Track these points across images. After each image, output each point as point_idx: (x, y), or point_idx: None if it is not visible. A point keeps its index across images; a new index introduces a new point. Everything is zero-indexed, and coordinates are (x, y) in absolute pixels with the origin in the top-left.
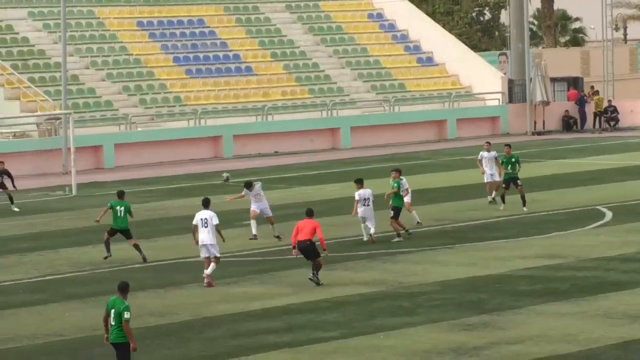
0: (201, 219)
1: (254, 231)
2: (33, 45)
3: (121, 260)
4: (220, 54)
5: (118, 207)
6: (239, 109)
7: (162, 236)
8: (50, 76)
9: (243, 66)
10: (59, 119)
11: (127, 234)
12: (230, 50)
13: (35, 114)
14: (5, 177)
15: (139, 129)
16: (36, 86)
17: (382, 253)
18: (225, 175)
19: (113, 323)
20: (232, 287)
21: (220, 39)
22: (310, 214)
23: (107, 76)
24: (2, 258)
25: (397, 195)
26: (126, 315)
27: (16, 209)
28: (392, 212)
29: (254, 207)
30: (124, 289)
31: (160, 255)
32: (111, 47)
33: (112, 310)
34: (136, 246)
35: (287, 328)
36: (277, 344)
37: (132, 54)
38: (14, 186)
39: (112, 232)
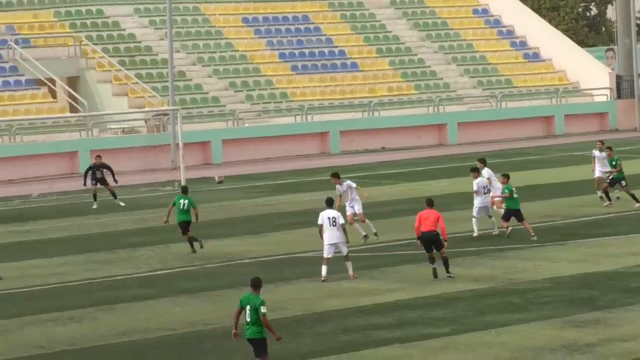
0: (328, 218)
1: (362, 232)
2: (140, 42)
3: (230, 255)
4: (326, 50)
5: (181, 201)
6: (345, 105)
7: (271, 232)
8: (157, 72)
9: (349, 62)
10: (167, 115)
11: (186, 227)
12: (336, 47)
13: (144, 110)
14: (105, 171)
15: (246, 124)
16: (143, 82)
17: (491, 249)
18: (218, 178)
19: (248, 319)
20: (342, 283)
21: (325, 35)
22: (431, 203)
23: (213, 72)
24: (113, 253)
25: (511, 198)
26: (262, 309)
27: (121, 204)
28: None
29: (349, 211)
30: (257, 284)
31: (269, 251)
32: (217, 44)
33: (247, 307)
34: (190, 239)
35: (397, 324)
36: (388, 339)
37: (238, 50)
38: (114, 180)
39: (180, 226)
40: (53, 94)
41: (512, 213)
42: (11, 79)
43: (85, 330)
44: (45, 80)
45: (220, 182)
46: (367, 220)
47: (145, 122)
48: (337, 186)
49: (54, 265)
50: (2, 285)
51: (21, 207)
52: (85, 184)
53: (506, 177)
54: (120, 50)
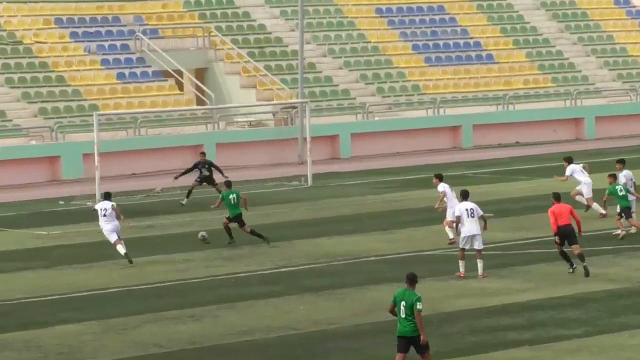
0: (466, 210)
1: (451, 235)
2: (270, 33)
3: (356, 252)
4: (461, 42)
5: (231, 196)
6: (479, 98)
7: (399, 228)
8: (287, 64)
9: (484, 54)
10: (295, 107)
11: (240, 221)
12: (471, 38)
13: (272, 102)
14: (212, 169)
15: (377, 118)
16: (272, 74)
17: (627, 248)
18: (201, 234)
19: (403, 315)
20: (470, 282)
21: (460, 26)
22: (558, 198)
23: (344, 64)
24: (237, 249)
25: (621, 197)
26: (419, 305)
27: (182, 202)
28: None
29: (449, 217)
30: (412, 280)
31: (396, 248)
32: (349, 35)
33: (402, 303)
34: (252, 232)
35: (527, 325)
36: (517, 341)
37: (370, 42)
38: (223, 176)
39: (234, 220)
40: (180, 86)
41: (623, 211)
42: (138, 71)
43: (206, 328)
44: (173, 72)
45: (204, 240)
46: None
47: (273, 115)
48: (438, 187)
49: (175, 262)
50: (122, 282)
51: (143, 201)
52: (176, 178)
53: (613, 177)
54: (250, 42)
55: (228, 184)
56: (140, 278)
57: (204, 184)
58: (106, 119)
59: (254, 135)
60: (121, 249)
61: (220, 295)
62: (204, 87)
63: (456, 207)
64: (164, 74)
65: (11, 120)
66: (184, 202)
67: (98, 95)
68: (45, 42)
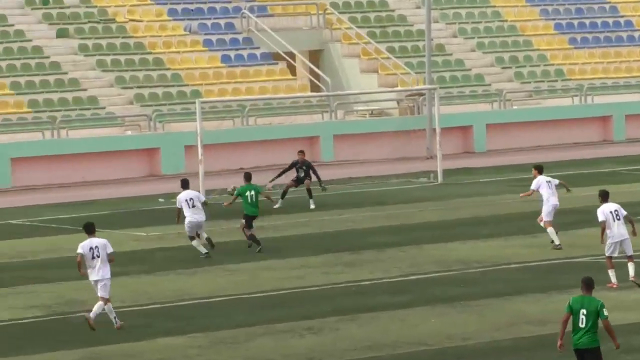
0: (611, 212)
1: (557, 241)
2: (393, 11)
3: (493, 258)
4: (610, 21)
5: (248, 193)
6: (632, 85)
7: (543, 232)
8: (412, 46)
9: (636, 35)
10: (423, 95)
11: (252, 221)
12: (622, 16)
13: (395, 89)
14: (309, 171)
15: (515, 107)
16: (396, 57)
17: None
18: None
19: (582, 325)
20: (624, 294)
21: (609, 2)
22: None
23: (477, 46)
24: (358, 253)
25: None
26: (605, 312)
27: (312, 206)
28: None
29: (546, 218)
30: (590, 284)
31: (541, 254)
32: (482, 13)
33: (582, 310)
34: (253, 237)
35: None
36: None
37: (506, 20)
38: (320, 184)
39: (249, 221)
40: (292, 70)
41: None
42: (245, 53)
43: (325, 343)
44: (284, 54)
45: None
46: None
47: (397, 103)
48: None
49: (289, 268)
50: (230, 290)
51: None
52: (272, 181)
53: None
54: (370, 20)
55: (247, 176)
56: (251, 286)
57: (298, 185)
58: (210, 107)
59: (376, 125)
60: (198, 243)
61: (340, 305)
62: (319, 72)
63: (600, 210)
64: (274, 57)
65: (104, 108)
66: (277, 205)
67: (201, 80)
68: (141, 21)
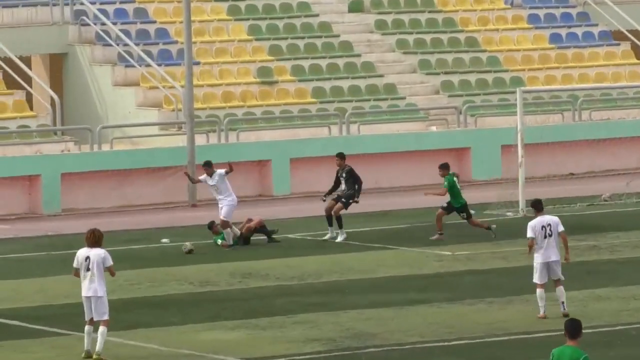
0: (543, 227)
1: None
2: None
3: None
4: None
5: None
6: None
7: None
8: None
9: None
10: None
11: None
12: None
13: None
14: (351, 178)
15: None
16: None
17: None
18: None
19: None
20: None
21: None
22: None
23: None
24: None
25: None
26: None
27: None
28: None
29: None
30: (573, 331)
31: None
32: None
33: None
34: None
35: None
36: None
37: None
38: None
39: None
40: (637, 53)
41: None
42: (579, 31)
43: None
44: (628, 33)
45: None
46: None
47: None
48: None
49: (627, 298)
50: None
51: (585, 212)
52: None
53: None
54: None
55: (443, 166)
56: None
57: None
58: (534, 97)
59: None
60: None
61: None
62: None
63: (529, 225)
64: (616, 36)
65: (404, 99)
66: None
67: (523, 65)
68: None
